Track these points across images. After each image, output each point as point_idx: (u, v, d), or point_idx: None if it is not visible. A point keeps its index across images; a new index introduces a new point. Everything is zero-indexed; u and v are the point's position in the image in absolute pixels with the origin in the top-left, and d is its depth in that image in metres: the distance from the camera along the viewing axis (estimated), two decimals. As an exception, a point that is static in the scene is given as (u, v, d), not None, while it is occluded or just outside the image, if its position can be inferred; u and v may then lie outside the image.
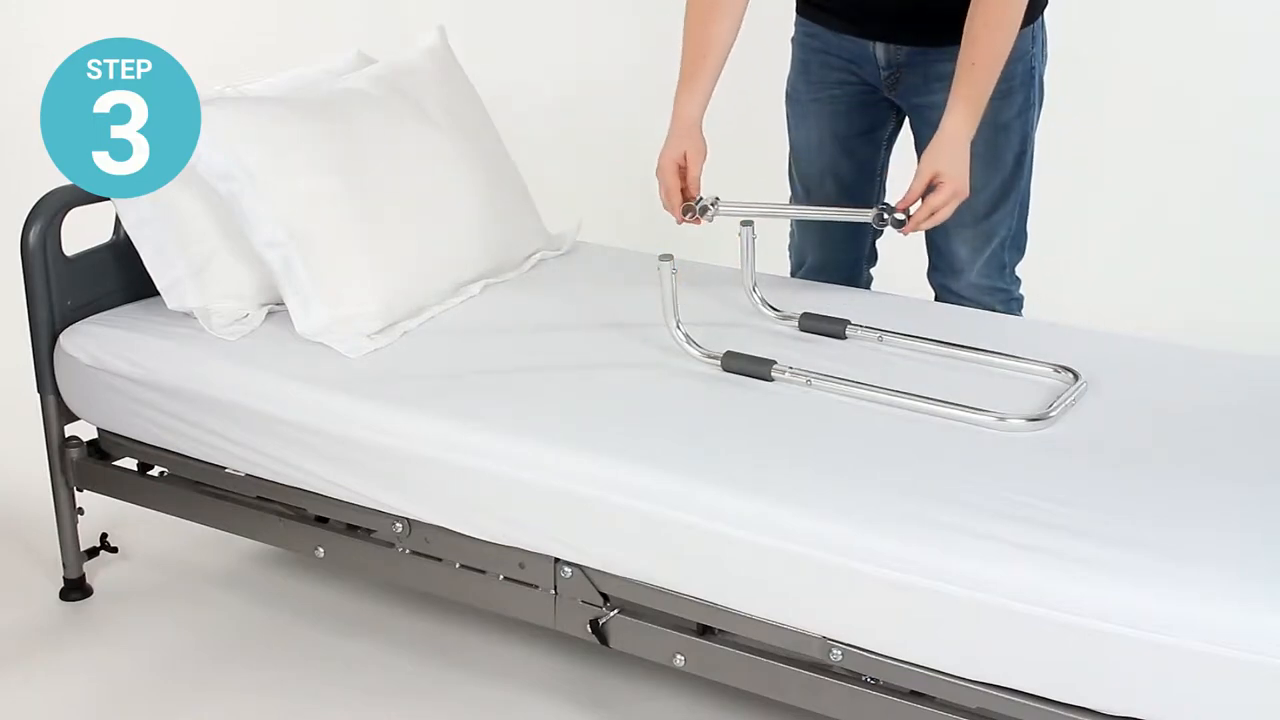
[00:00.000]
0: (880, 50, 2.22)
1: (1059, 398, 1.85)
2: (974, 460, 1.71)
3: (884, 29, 2.20)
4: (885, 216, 2.03)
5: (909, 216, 2.02)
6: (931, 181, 1.98)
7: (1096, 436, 1.78)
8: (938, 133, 2.01)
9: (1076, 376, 1.92)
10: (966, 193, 1.99)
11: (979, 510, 1.58)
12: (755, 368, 1.93)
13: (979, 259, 2.31)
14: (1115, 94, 3.44)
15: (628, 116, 3.83)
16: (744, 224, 2.12)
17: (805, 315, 2.13)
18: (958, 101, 2.00)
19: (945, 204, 1.99)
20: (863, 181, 2.38)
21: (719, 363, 1.95)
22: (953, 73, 2.03)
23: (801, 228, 2.48)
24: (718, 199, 2.11)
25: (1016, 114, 2.21)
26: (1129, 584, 1.45)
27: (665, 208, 2.16)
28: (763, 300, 2.17)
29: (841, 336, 2.09)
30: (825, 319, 2.11)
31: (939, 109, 2.04)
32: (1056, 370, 1.95)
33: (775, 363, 1.92)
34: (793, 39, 2.38)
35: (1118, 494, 1.62)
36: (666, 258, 1.93)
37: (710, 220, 2.10)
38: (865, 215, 2.05)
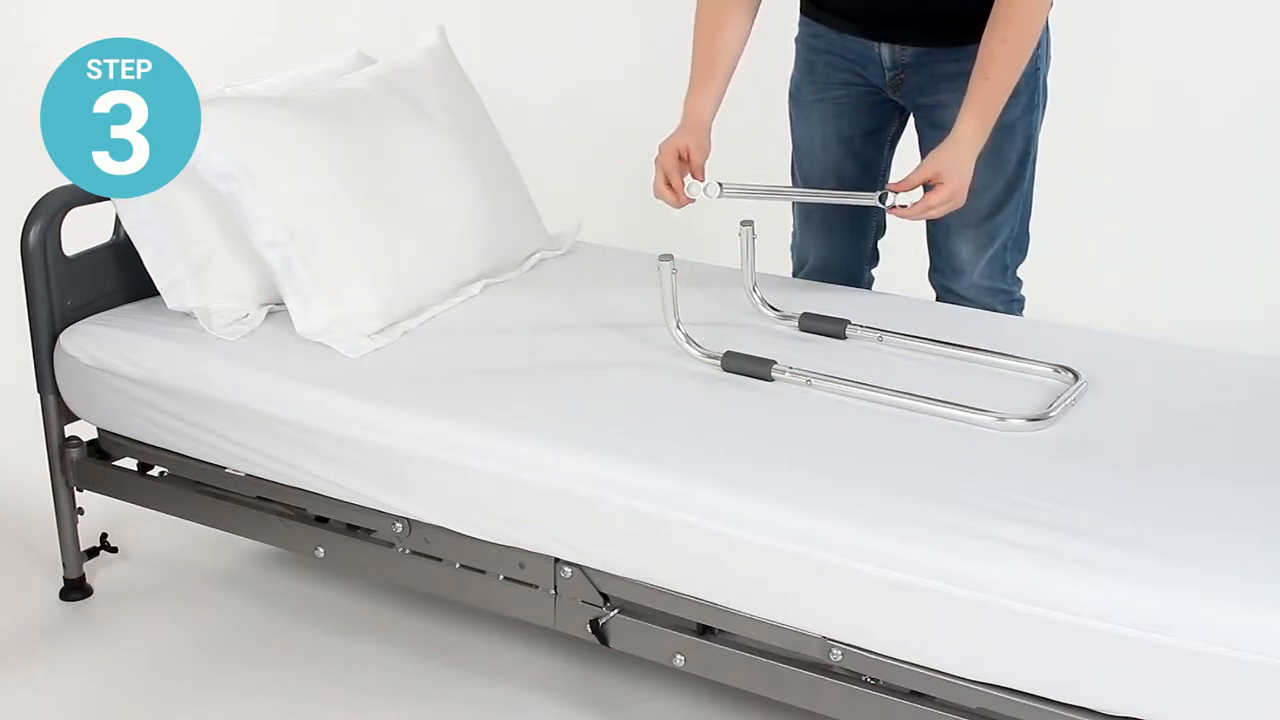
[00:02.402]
0: (886, 51, 2.22)
1: (1059, 398, 1.85)
2: (974, 460, 1.71)
3: (890, 30, 2.20)
4: (889, 197, 2.01)
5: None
6: (931, 180, 1.98)
7: (1096, 436, 1.78)
8: (949, 136, 2.01)
9: (1076, 376, 1.92)
10: (962, 201, 2.00)
11: (979, 510, 1.58)
12: (755, 368, 1.93)
13: (981, 259, 2.31)
14: (1115, 95, 3.44)
15: (628, 116, 3.82)
16: (744, 224, 2.12)
17: (805, 315, 2.12)
18: (970, 112, 2.00)
19: (938, 206, 1.99)
20: (866, 182, 2.38)
21: (719, 363, 1.95)
22: (958, 73, 2.03)
23: (804, 228, 2.48)
24: (719, 183, 2.08)
25: (1021, 114, 2.21)
26: (1129, 584, 1.45)
27: (657, 193, 2.10)
28: (763, 300, 2.17)
29: (841, 336, 2.09)
30: (825, 319, 2.11)
31: (944, 108, 2.04)
32: (1056, 370, 1.95)
33: (775, 363, 1.92)
34: (796, 39, 2.37)
35: (1118, 494, 1.62)
36: (666, 258, 1.93)
37: (714, 198, 2.07)
38: (870, 199, 2.04)
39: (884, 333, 2.07)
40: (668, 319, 1.98)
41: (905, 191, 1.99)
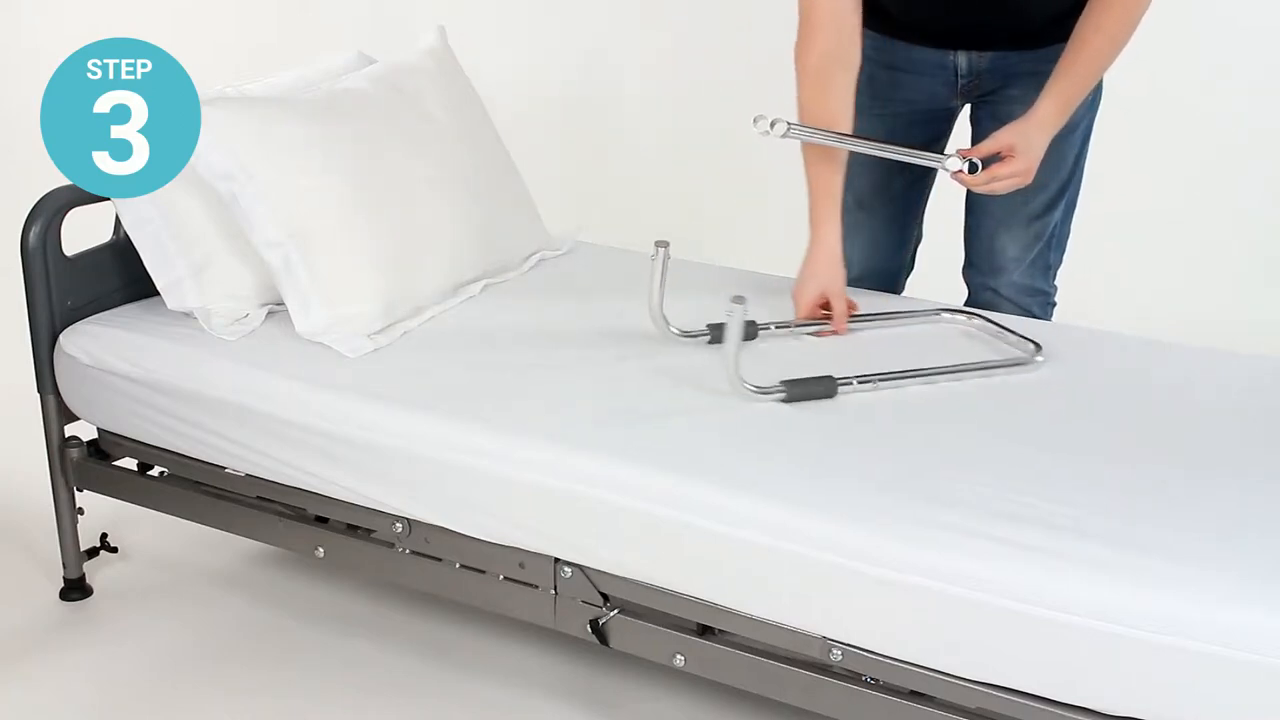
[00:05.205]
0: (963, 59, 2.19)
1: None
2: (974, 460, 1.71)
3: (967, 40, 2.18)
4: (964, 160, 1.98)
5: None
6: (1004, 151, 1.95)
7: (1096, 437, 1.78)
8: (1027, 114, 1.98)
9: (1038, 347, 2.00)
10: (1029, 181, 1.97)
11: (979, 510, 1.58)
12: (820, 388, 1.89)
13: (1026, 258, 2.29)
14: (1113, 93, 3.44)
15: (628, 116, 3.83)
16: (659, 244, 2.00)
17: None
18: (1052, 95, 1.98)
19: (1006, 180, 1.96)
20: (914, 195, 2.37)
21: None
22: (1034, 72, 2.00)
23: (847, 237, 2.36)
24: (788, 123, 2.04)
25: (1085, 112, 2.18)
26: (1129, 584, 1.45)
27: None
28: (668, 322, 2.07)
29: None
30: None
31: (1013, 103, 2.00)
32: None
33: (836, 378, 1.89)
34: None
35: (1118, 494, 1.62)
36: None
37: (779, 137, 2.03)
38: (939, 161, 2.00)
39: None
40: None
41: (975, 158, 1.95)
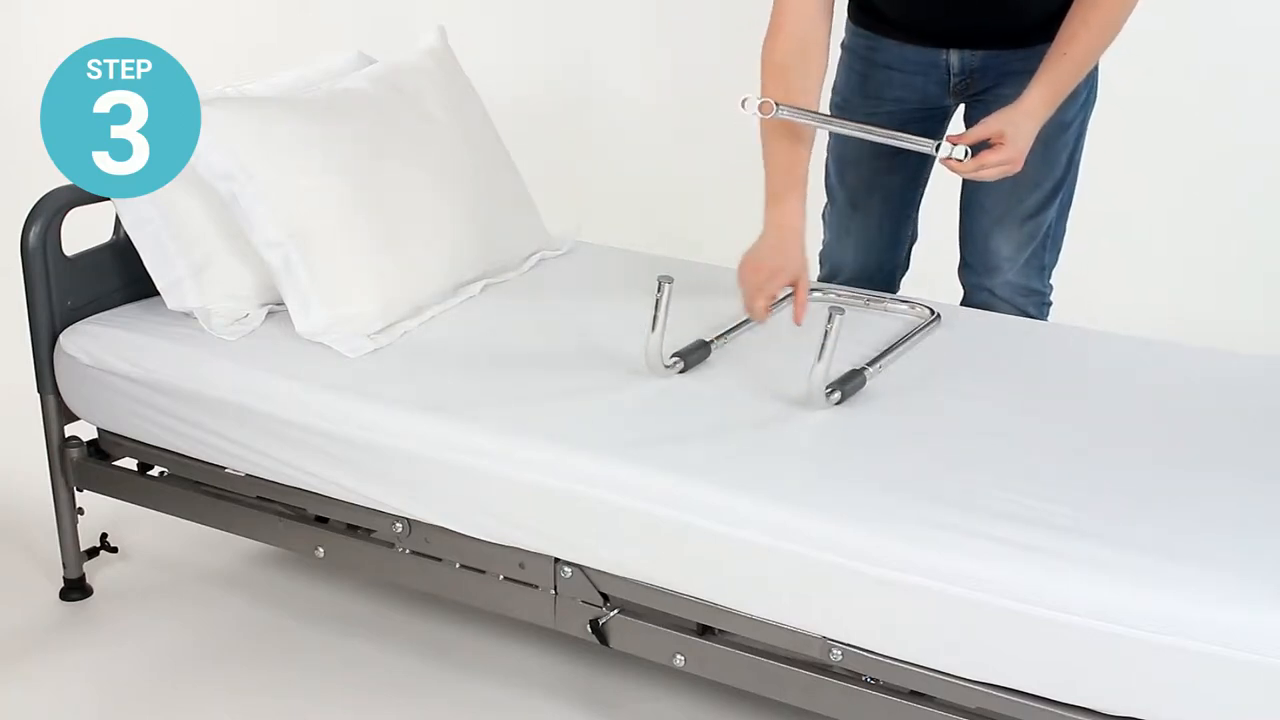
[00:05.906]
0: (955, 57, 2.19)
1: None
2: (973, 459, 1.71)
3: (962, 39, 2.17)
4: (950, 145, 1.93)
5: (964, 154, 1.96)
6: (993, 138, 1.94)
7: (1096, 437, 1.78)
8: (1016, 102, 1.96)
9: (932, 311, 2.13)
10: (1019, 168, 1.95)
11: (979, 510, 1.58)
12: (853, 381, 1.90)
13: (1020, 258, 2.29)
14: (1110, 92, 3.44)
15: (628, 116, 3.83)
16: (662, 280, 1.92)
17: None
18: (1041, 85, 1.96)
19: (994, 167, 1.93)
20: (908, 193, 2.36)
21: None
22: (1025, 70, 2.00)
23: (842, 238, 2.42)
24: (775, 103, 1.98)
25: (1077, 111, 2.18)
26: (1129, 584, 1.45)
27: (747, 302, 2.04)
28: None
29: None
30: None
31: (1002, 101, 2.01)
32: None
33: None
34: (845, 46, 2.31)
35: (1118, 494, 1.62)
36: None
37: (767, 116, 1.97)
38: (927, 146, 1.95)
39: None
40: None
41: (963, 145, 1.92)
